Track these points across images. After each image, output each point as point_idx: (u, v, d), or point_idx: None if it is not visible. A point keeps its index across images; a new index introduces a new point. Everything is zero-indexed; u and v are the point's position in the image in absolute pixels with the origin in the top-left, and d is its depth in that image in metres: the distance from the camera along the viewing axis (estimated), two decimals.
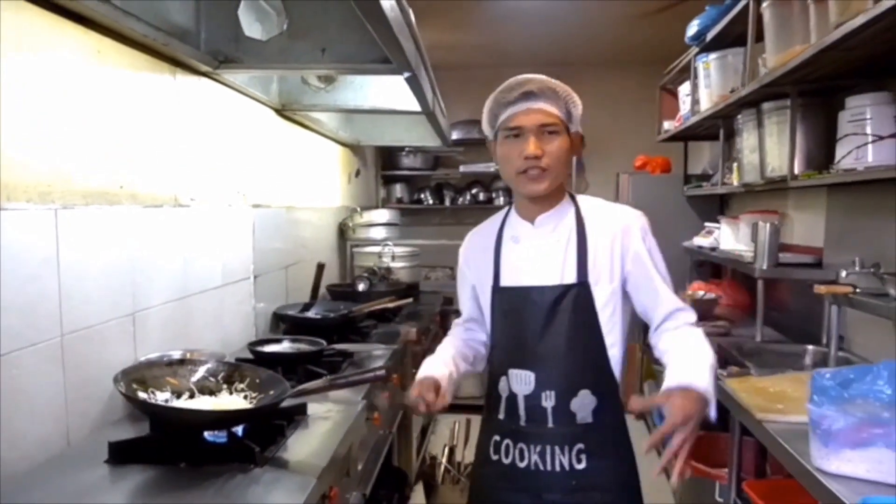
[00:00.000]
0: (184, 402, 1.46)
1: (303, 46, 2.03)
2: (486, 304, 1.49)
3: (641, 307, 1.44)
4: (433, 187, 5.73)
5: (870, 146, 1.87)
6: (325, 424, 1.58)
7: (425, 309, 3.41)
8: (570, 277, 1.38)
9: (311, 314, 2.59)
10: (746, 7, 2.40)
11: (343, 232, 3.99)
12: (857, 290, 1.83)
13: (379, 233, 3.97)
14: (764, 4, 2.17)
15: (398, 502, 2.67)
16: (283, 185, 2.95)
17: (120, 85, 1.64)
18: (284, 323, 2.60)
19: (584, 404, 1.38)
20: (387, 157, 5.56)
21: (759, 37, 2.32)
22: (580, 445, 1.38)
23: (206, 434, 1.38)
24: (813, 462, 1.32)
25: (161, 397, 1.44)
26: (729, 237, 3.30)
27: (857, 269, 2.12)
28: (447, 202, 5.62)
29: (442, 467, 2.75)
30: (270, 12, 2.00)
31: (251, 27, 2.00)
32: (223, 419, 1.36)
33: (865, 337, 2.31)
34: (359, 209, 4.15)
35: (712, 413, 1.24)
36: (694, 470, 2.23)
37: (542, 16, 4.19)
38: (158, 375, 1.51)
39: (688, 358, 1.31)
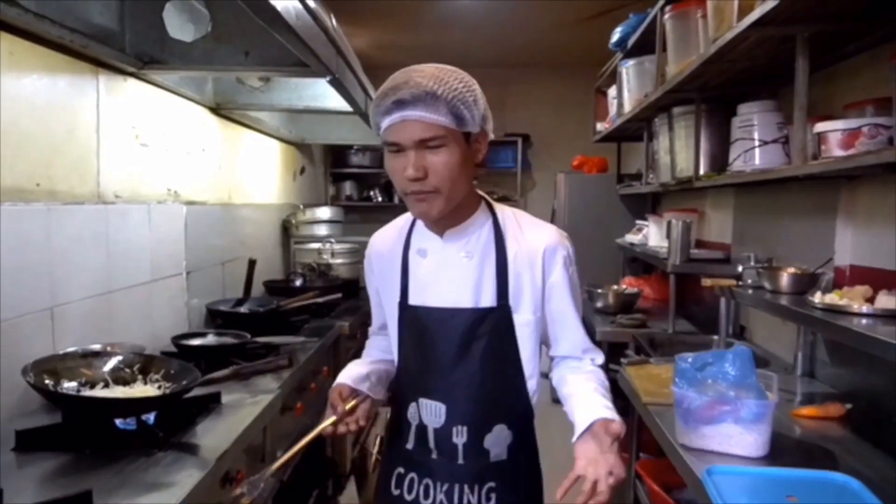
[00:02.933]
0: (95, 392, 1.51)
1: (227, 49, 2.10)
2: (393, 320, 1.33)
3: (548, 337, 1.33)
4: (382, 185, 5.81)
5: (756, 150, 2.03)
6: (237, 412, 1.66)
7: (365, 304, 3.48)
8: (488, 300, 1.23)
9: (242, 309, 2.65)
10: (656, 17, 2.55)
11: (287, 229, 4.04)
12: (740, 283, 1.99)
13: (322, 230, 4.04)
14: (666, 17, 2.32)
15: (333, 490, 2.75)
16: (219, 183, 2.99)
17: (35, 85, 1.68)
18: (220, 318, 2.65)
19: (499, 440, 1.25)
20: (336, 155, 5.61)
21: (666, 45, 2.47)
22: (491, 484, 1.25)
23: (117, 421, 1.44)
24: (677, 438, 1.45)
25: (71, 387, 1.49)
26: (655, 233, 3.47)
27: (752, 264, 2.30)
28: (396, 199, 5.71)
29: (373, 458, 2.84)
30: (195, 15, 2.06)
31: (176, 29, 2.05)
32: (129, 406, 1.42)
33: (763, 328, 2.50)
34: (302, 206, 4.20)
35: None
36: None
37: (484, 18, 4.31)
38: (72, 367, 1.56)
39: (589, 397, 1.25)
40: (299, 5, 1.70)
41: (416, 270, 1.29)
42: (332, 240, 3.81)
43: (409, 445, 1.30)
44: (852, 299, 1.44)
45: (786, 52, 1.77)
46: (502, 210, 1.32)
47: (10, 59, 1.59)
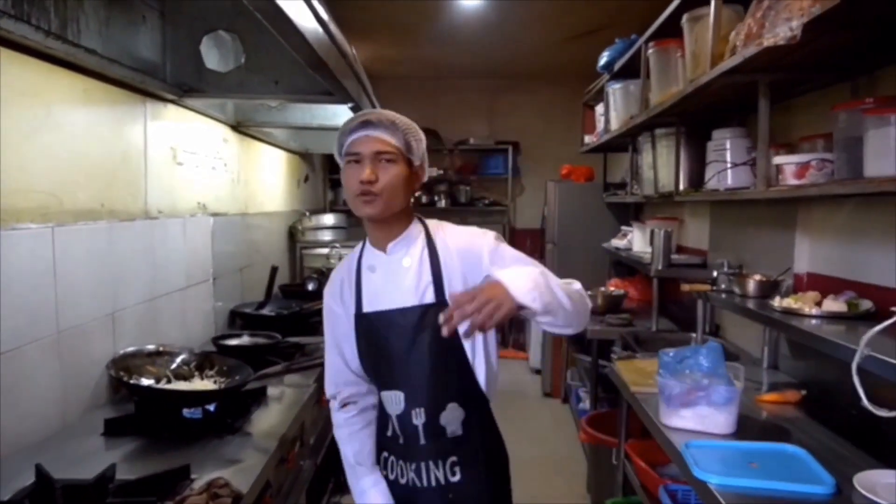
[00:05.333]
0: (163, 386, 1.76)
1: (258, 78, 2.34)
2: (350, 330, 1.49)
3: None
4: None
5: (728, 171, 2.32)
6: (282, 404, 1.91)
7: None
8: (429, 297, 1.42)
9: (265, 312, 2.88)
10: (640, 49, 2.83)
11: (293, 234, 4.27)
12: (714, 288, 2.28)
13: (326, 235, 4.28)
14: (650, 51, 2.61)
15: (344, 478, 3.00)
16: (237, 194, 3.23)
17: (102, 117, 1.92)
18: (241, 320, 2.89)
19: (453, 417, 1.42)
20: (334, 163, 5.83)
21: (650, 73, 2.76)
22: (453, 458, 1.43)
23: (185, 411, 1.69)
24: (660, 419, 1.73)
25: (145, 382, 1.73)
26: (639, 239, 3.76)
27: (725, 270, 2.59)
28: None
29: None
30: (229, 48, 2.30)
31: (212, 61, 2.29)
32: (200, 397, 1.67)
33: (735, 326, 2.80)
34: (307, 213, 4.44)
35: (517, 298, 1.24)
36: (593, 438, 2.66)
37: (477, 35, 4.57)
38: (140, 364, 1.81)
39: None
40: (332, 44, 1.95)
41: (367, 284, 1.48)
42: (338, 244, 4.05)
43: (389, 433, 1.48)
44: (804, 303, 1.73)
45: (751, 91, 2.06)
46: (434, 223, 1.52)
47: (85, 96, 1.82)
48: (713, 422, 1.62)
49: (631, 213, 4.41)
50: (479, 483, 1.44)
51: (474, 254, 1.44)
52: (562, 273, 1.44)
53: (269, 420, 1.76)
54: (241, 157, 3.29)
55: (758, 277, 2.08)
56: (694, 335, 2.92)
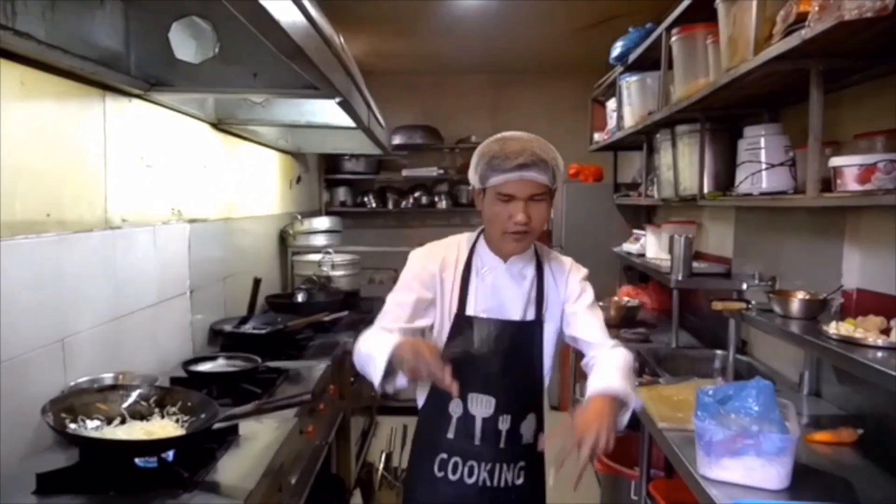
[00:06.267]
0: (113, 429, 1.50)
1: (235, 71, 2.07)
2: (444, 327, 1.54)
3: (579, 335, 1.57)
4: (376, 191, 5.78)
5: (763, 173, 2.05)
6: (256, 444, 1.65)
7: (366, 316, 3.47)
8: (531, 315, 1.54)
9: (247, 328, 2.63)
10: (661, 36, 2.56)
11: (284, 239, 4.01)
12: (749, 307, 2.01)
13: (320, 240, 4.02)
14: (673, 38, 2.34)
15: None
16: (220, 198, 2.97)
17: (45, 113, 1.66)
18: (221, 338, 2.63)
19: (529, 427, 1.55)
20: (330, 162, 5.58)
21: (672, 64, 2.49)
22: (522, 463, 1.55)
23: (137, 460, 1.43)
24: (698, 469, 1.47)
25: (91, 425, 1.48)
26: (653, 244, 3.49)
27: (756, 282, 2.33)
28: (390, 205, 5.69)
29: (379, 473, 2.84)
30: (202, 36, 2.03)
31: (182, 50, 2.02)
32: (150, 446, 1.41)
33: (766, 345, 2.53)
34: (299, 216, 4.18)
35: (631, 405, 1.41)
36: (610, 469, 2.40)
37: (478, 28, 4.31)
38: (88, 402, 1.54)
39: (603, 368, 1.47)
40: (314, 31, 1.69)
41: (477, 285, 1.53)
42: (331, 251, 3.79)
43: (451, 435, 1.54)
44: (867, 330, 1.47)
45: (793, 80, 1.79)
46: (541, 246, 1.62)
47: (22, 88, 1.56)
48: (763, 475, 1.36)
49: (643, 216, 4.14)
50: (536, 489, 1.58)
51: (573, 283, 1.57)
52: None
53: (238, 468, 1.50)
54: (224, 158, 3.03)
55: (802, 296, 1.82)
56: (719, 352, 2.68)
